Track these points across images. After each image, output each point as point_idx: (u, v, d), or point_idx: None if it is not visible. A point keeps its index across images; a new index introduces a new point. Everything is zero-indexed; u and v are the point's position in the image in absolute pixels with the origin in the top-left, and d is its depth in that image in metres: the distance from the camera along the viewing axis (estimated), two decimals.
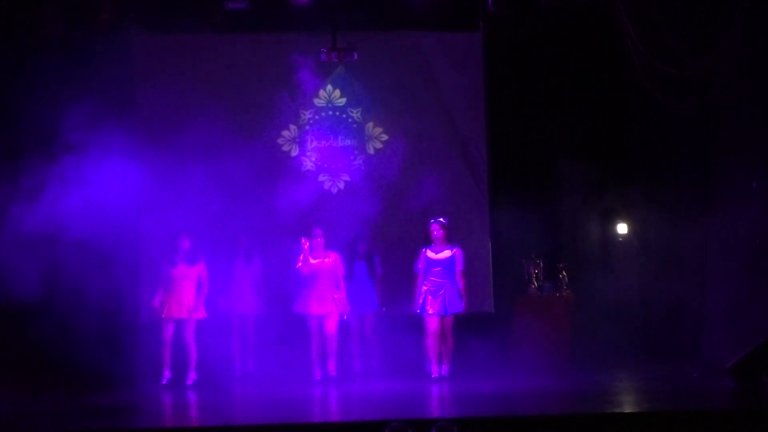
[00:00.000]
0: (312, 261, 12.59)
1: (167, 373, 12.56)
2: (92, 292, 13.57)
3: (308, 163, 14.34)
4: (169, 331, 12.57)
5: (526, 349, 13.22)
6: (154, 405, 11.79)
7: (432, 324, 12.50)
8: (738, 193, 12.47)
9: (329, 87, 14.36)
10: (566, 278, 14.06)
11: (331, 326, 12.53)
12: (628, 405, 11.34)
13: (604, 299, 14.35)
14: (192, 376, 12.62)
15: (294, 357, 12.94)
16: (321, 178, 14.35)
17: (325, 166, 14.33)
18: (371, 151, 14.40)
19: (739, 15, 11.92)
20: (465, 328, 13.34)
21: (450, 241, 12.67)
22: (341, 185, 14.36)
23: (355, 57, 13.21)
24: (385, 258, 13.52)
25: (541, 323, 13.37)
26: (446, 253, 12.61)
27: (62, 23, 12.74)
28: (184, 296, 12.56)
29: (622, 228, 14.65)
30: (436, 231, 12.63)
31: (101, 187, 13.10)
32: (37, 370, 13.43)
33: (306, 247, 12.54)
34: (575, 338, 13.61)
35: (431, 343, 12.51)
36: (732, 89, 12.36)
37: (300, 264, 12.55)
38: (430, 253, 12.64)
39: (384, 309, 13.31)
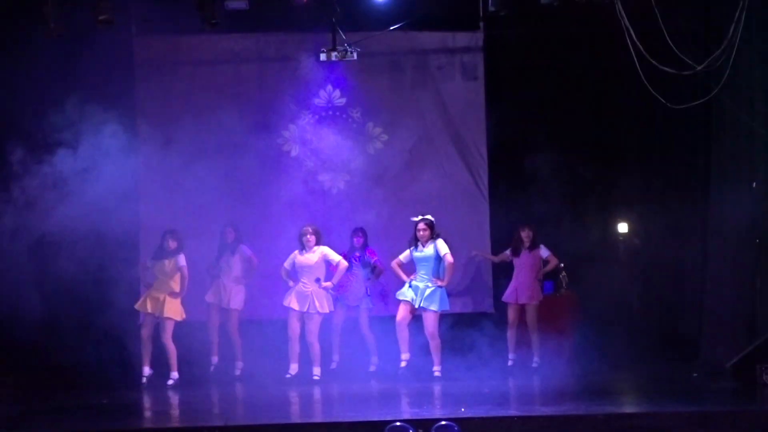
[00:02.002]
0: (300, 257, 12.64)
1: (146, 371, 12.57)
2: (90, 291, 13.59)
3: (308, 163, 14.34)
4: (147, 329, 12.59)
5: (526, 349, 13.24)
6: (153, 405, 11.78)
7: (401, 312, 12.52)
8: (738, 193, 12.46)
9: (329, 87, 14.36)
10: (566, 278, 14.09)
11: (311, 327, 12.56)
12: (628, 405, 11.34)
13: (604, 299, 14.34)
14: (173, 377, 12.65)
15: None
16: (321, 178, 14.35)
17: (325, 166, 14.32)
18: (371, 151, 14.40)
19: (739, 15, 11.92)
20: (465, 328, 13.36)
21: (433, 238, 12.64)
22: (341, 185, 14.35)
23: (355, 57, 13.21)
24: (385, 258, 13.49)
25: (542, 323, 13.38)
26: (429, 250, 12.59)
27: (62, 23, 12.74)
28: (164, 295, 12.57)
29: (622, 228, 14.64)
30: (423, 230, 12.60)
31: (100, 186, 13.09)
32: (36, 370, 13.44)
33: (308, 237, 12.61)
34: (575, 338, 13.62)
35: (399, 330, 12.53)
36: (732, 88, 12.35)
37: (286, 265, 12.62)
38: (416, 253, 12.60)
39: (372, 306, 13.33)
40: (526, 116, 14.24)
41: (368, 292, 13.28)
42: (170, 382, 12.60)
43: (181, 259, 12.68)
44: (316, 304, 12.55)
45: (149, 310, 12.59)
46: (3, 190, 13.43)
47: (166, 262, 12.67)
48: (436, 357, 12.62)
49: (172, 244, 12.67)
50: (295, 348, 12.63)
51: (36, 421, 10.76)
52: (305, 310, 12.55)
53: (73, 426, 10.48)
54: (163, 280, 12.64)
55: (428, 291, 12.48)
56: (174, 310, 12.58)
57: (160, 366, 12.78)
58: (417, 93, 14.38)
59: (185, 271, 12.67)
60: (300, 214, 13.74)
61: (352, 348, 13.34)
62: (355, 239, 13.37)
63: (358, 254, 13.32)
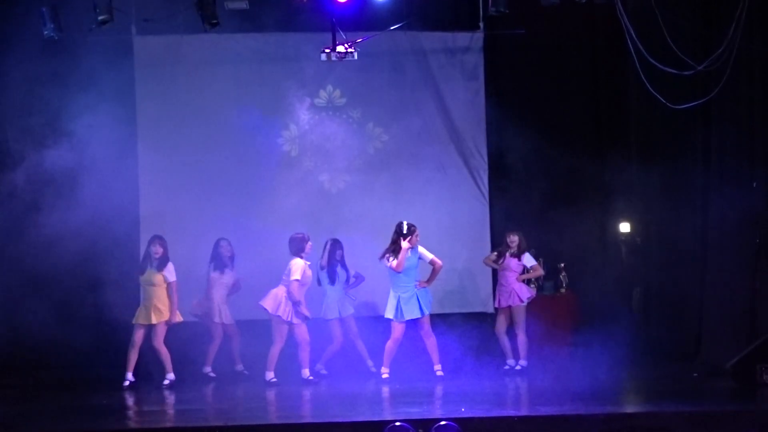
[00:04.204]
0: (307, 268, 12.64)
1: (130, 376, 12.55)
2: (90, 291, 13.60)
3: (308, 163, 14.33)
4: (139, 335, 12.57)
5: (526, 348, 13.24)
6: (153, 405, 11.79)
7: (400, 331, 12.53)
8: (738, 193, 12.47)
9: (329, 87, 14.36)
10: (566, 278, 14.09)
11: (299, 332, 12.52)
12: (628, 405, 11.34)
13: (604, 299, 14.34)
14: (169, 377, 12.64)
15: (294, 357, 12.91)
16: (321, 178, 14.34)
17: (325, 166, 14.32)
18: (371, 151, 14.40)
19: (739, 15, 11.93)
20: (465, 328, 13.35)
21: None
22: (341, 185, 14.34)
23: (355, 57, 13.20)
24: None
25: (542, 323, 13.38)
26: (410, 257, 12.55)
27: (62, 23, 12.75)
28: (153, 302, 12.56)
29: (622, 228, 14.65)
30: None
31: (100, 186, 13.11)
32: (36, 370, 13.44)
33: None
34: (575, 338, 13.62)
35: (394, 348, 12.54)
36: (732, 88, 12.36)
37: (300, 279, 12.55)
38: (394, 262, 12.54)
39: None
40: (526, 116, 14.24)
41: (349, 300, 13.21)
42: (166, 382, 12.58)
43: (170, 275, 12.62)
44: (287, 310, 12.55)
45: (144, 322, 12.56)
46: (2, 190, 13.46)
47: (154, 272, 12.60)
48: (435, 356, 12.62)
49: (159, 250, 12.59)
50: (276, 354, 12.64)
51: (36, 421, 10.76)
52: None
53: (72, 426, 10.49)
54: (152, 291, 12.60)
55: (420, 298, 12.52)
56: (162, 314, 12.57)
57: (159, 368, 12.79)
58: (417, 93, 14.39)
59: (174, 287, 12.62)
60: (300, 214, 13.73)
61: (346, 351, 13.32)
62: (339, 252, 13.15)
63: (342, 267, 13.13)
